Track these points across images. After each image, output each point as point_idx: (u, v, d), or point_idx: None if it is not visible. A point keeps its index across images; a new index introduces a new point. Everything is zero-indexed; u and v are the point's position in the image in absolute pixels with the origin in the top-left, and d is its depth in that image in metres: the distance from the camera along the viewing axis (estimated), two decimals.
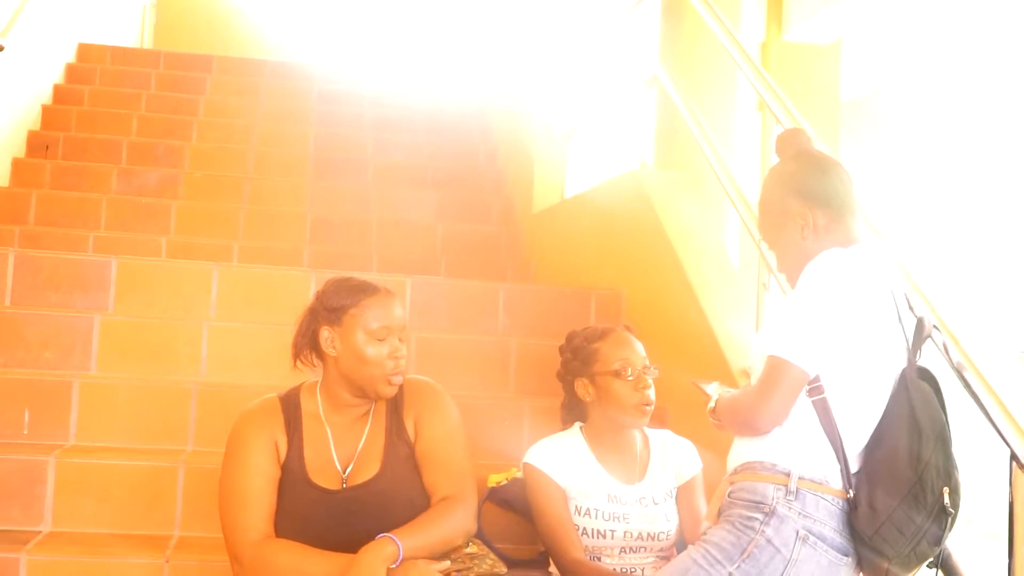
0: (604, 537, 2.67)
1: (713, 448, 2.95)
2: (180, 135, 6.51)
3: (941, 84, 7.44)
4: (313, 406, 2.50)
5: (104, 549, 2.85)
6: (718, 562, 2.06)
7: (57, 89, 6.90)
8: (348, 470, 2.44)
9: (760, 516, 2.06)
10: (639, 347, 2.79)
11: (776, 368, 2.06)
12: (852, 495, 2.07)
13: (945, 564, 2.12)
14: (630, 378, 2.70)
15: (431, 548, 2.32)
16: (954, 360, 2.16)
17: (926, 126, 7.81)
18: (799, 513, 2.05)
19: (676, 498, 2.79)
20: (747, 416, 2.12)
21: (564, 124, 5.56)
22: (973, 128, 7.71)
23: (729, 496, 2.15)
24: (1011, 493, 2.00)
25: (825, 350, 2.07)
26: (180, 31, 9.64)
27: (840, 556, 2.07)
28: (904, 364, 2.15)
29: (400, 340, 2.45)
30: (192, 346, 3.62)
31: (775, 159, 2.40)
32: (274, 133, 6.73)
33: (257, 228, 5.58)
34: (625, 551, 2.69)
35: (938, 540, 2.02)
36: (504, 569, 2.36)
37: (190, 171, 6.08)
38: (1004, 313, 7.61)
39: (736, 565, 2.04)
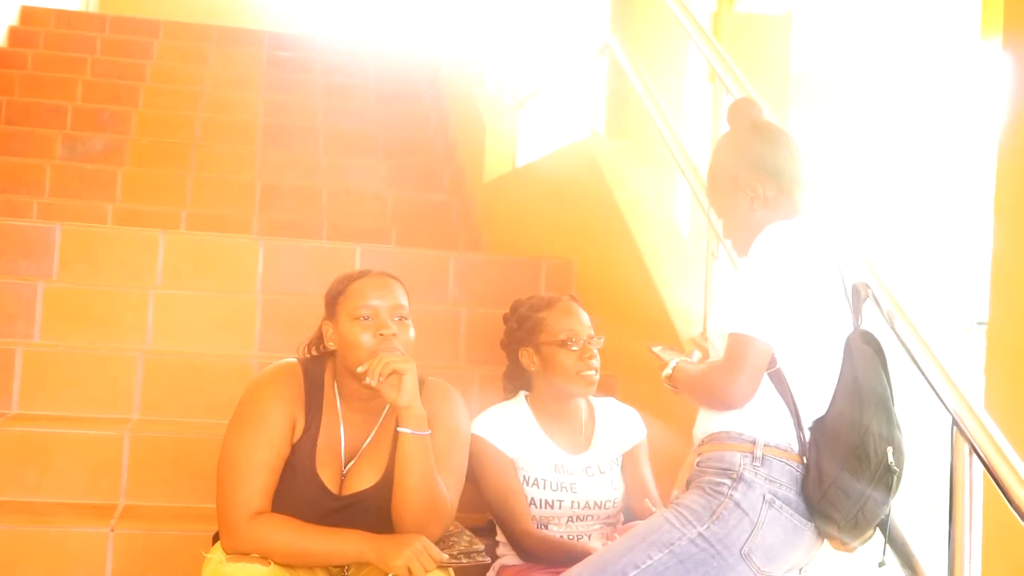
0: (552, 507, 2.68)
1: (661, 415, 2.97)
2: (126, 101, 6.41)
3: (888, 57, 7.50)
4: (332, 391, 2.39)
5: (47, 518, 2.81)
6: (689, 522, 2.09)
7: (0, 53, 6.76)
8: (348, 468, 2.36)
9: (728, 481, 2.10)
10: (584, 317, 2.79)
11: (742, 345, 2.09)
12: (805, 461, 2.11)
13: (888, 534, 2.15)
14: (575, 348, 2.70)
15: None
16: (897, 327, 2.19)
17: (874, 98, 7.88)
18: (765, 478, 2.09)
19: (621, 466, 2.81)
20: (719, 394, 2.14)
21: (515, 93, 5.54)
22: (919, 101, 7.78)
23: (698, 466, 2.19)
24: (952, 460, 2.03)
25: (780, 323, 2.10)
26: None
27: (804, 520, 2.11)
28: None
29: (400, 320, 2.33)
30: (138, 314, 3.58)
31: (726, 129, 2.41)
32: (223, 100, 6.65)
33: (205, 195, 5.51)
34: (572, 519, 2.70)
35: (885, 501, 2.08)
36: (481, 546, 2.34)
37: (136, 137, 5.99)
38: (951, 285, 7.72)
39: (706, 526, 2.08)
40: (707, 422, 2.21)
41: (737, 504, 2.08)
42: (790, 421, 2.13)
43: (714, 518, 2.08)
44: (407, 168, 6.20)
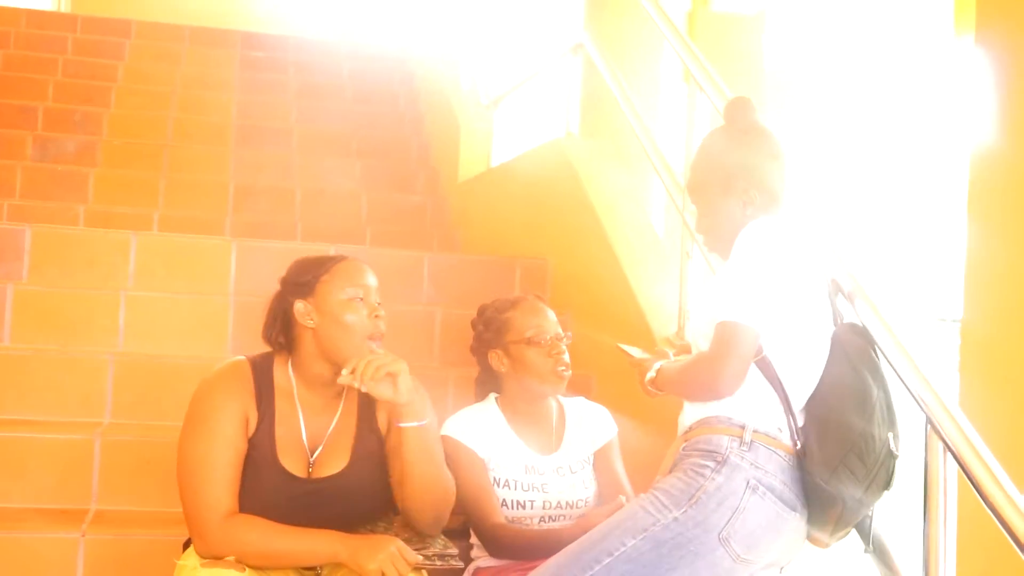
0: (523, 507, 2.67)
1: (636, 414, 2.97)
2: (98, 101, 6.35)
3: (862, 54, 7.52)
4: (286, 381, 2.39)
5: (18, 524, 2.78)
6: (665, 507, 2.07)
7: None
8: (315, 455, 2.36)
9: (712, 464, 2.08)
10: (551, 314, 2.78)
11: (730, 332, 2.08)
12: (800, 447, 2.11)
13: (860, 527, 2.16)
14: (543, 344, 2.69)
15: None
16: (870, 324, 2.19)
17: (848, 95, 7.90)
18: (751, 464, 2.08)
19: (593, 464, 2.80)
20: (708, 383, 2.13)
21: (490, 92, 5.52)
22: (893, 98, 7.81)
23: (683, 450, 2.17)
24: (926, 458, 2.03)
25: (767, 312, 2.10)
26: None
27: (787, 509, 2.10)
28: (833, 326, 2.23)
29: (379, 306, 2.39)
30: (109, 316, 3.55)
31: (700, 129, 2.41)
32: (196, 100, 6.60)
33: (178, 197, 5.47)
34: (544, 520, 2.69)
35: (886, 483, 2.09)
36: (455, 549, 2.33)
37: (108, 138, 5.95)
38: (924, 280, 7.74)
39: (683, 510, 2.05)
40: (695, 409, 2.20)
41: (718, 487, 2.06)
42: (779, 408, 2.12)
43: (692, 502, 2.05)
44: (382, 168, 6.17)
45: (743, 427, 2.10)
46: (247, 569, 2.13)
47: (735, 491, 2.06)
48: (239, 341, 3.60)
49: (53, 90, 6.36)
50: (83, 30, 7.34)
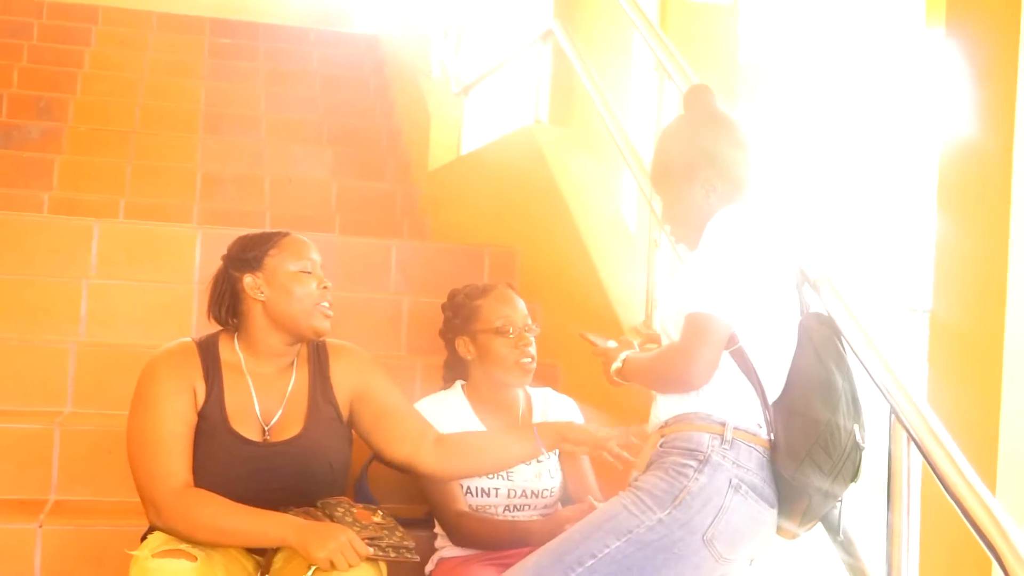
0: (488, 495, 2.65)
1: (603, 404, 2.95)
2: (64, 88, 6.28)
3: (835, 47, 7.53)
4: (233, 356, 2.42)
5: None
6: (649, 508, 2.04)
7: None
8: (271, 424, 2.38)
9: (694, 463, 2.05)
10: (520, 304, 2.76)
11: (701, 323, 2.06)
12: (772, 437, 2.10)
13: (827, 518, 2.14)
14: (511, 335, 2.68)
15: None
16: (835, 313, 2.18)
17: (820, 88, 7.91)
18: (733, 462, 2.05)
19: (559, 455, 2.77)
20: (678, 373, 2.11)
21: (460, 79, 5.49)
22: (866, 90, 7.82)
23: (661, 446, 2.13)
24: (890, 448, 2.02)
25: (738, 303, 2.08)
26: None
27: (767, 507, 2.08)
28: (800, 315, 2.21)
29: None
30: (71, 305, 3.50)
31: (671, 118, 2.39)
32: (163, 87, 6.53)
33: (145, 184, 5.42)
34: (509, 509, 2.67)
35: (853, 477, 2.08)
36: (412, 543, 2.31)
37: (74, 125, 5.88)
38: (895, 270, 7.77)
39: (667, 511, 2.02)
40: (671, 403, 2.17)
41: (702, 488, 2.03)
42: (756, 401, 2.10)
43: (676, 503, 2.03)
44: (352, 156, 6.12)
45: (723, 424, 2.08)
46: (197, 559, 2.10)
47: (718, 491, 2.04)
48: (204, 329, 3.52)
49: (18, 76, 6.28)
50: (49, 16, 7.24)
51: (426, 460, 2.47)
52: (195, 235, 3.85)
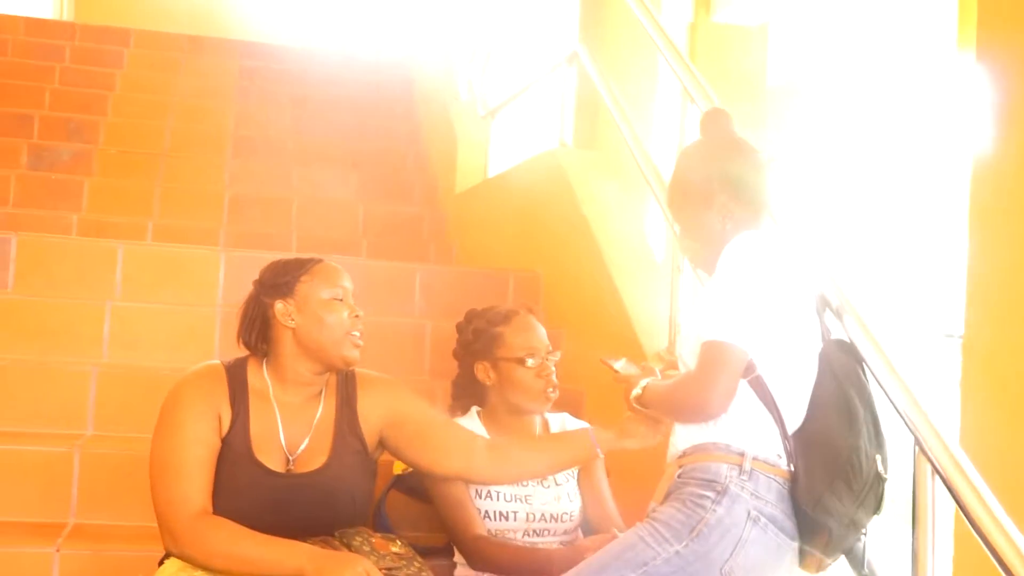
0: (507, 519, 2.62)
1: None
2: (95, 110, 6.31)
3: (865, 71, 7.47)
4: (261, 383, 2.38)
5: None
6: (666, 540, 2.01)
7: None
8: (296, 455, 2.35)
9: (712, 495, 2.02)
10: (542, 332, 2.74)
11: (717, 352, 2.03)
12: (792, 468, 2.06)
13: (851, 552, 2.10)
14: (533, 365, 2.65)
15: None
16: (858, 342, 2.14)
17: (852, 110, 7.85)
18: (751, 494, 2.02)
19: (578, 480, 2.75)
20: (694, 403, 2.09)
21: (487, 102, 5.48)
22: (897, 113, 7.76)
23: (679, 477, 2.11)
24: (914, 480, 1.98)
25: (756, 330, 2.05)
26: (100, 4, 9.34)
27: (788, 540, 2.05)
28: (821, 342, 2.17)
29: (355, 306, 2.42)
30: (94, 327, 3.51)
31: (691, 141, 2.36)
32: (194, 109, 6.56)
33: (173, 206, 5.42)
34: (528, 533, 2.64)
35: (875, 509, 2.04)
36: (430, 574, 2.29)
37: (104, 147, 5.90)
38: (931, 296, 7.68)
39: (684, 543, 1.99)
40: (690, 433, 2.14)
41: (719, 520, 2.00)
42: (775, 431, 2.06)
43: (693, 535, 1.99)
44: (379, 179, 6.12)
45: (742, 455, 2.05)
46: None
47: (737, 523, 2.00)
48: (226, 352, 3.50)
49: (50, 98, 6.32)
50: (81, 38, 7.31)
51: (481, 468, 2.43)
52: (219, 258, 3.86)
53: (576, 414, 3.23)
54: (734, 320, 2.03)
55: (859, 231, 7.69)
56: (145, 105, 6.50)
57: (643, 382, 2.29)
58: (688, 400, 2.10)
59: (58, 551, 2.68)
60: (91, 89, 6.53)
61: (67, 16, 9.42)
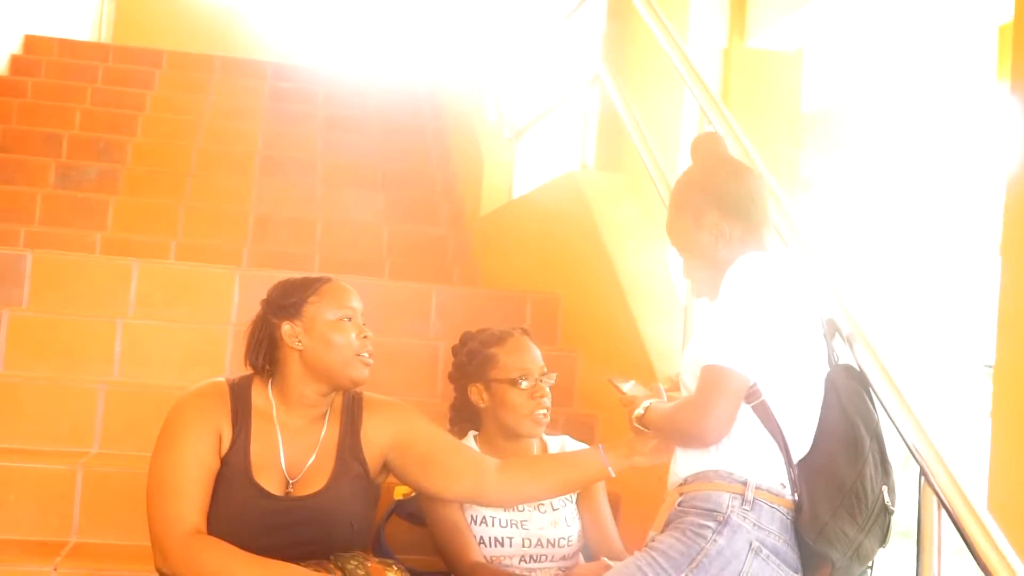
0: (502, 545, 2.56)
1: None
2: (124, 130, 6.35)
3: (901, 98, 7.39)
4: (265, 403, 2.34)
5: None
6: (664, 571, 1.95)
7: (0, 81, 6.72)
8: (296, 479, 2.30)
9: (713, 524, 1.96)
10: (536, 353, 2.68)
11: (716, 377, 1.97)
12: (796, 497, 2.00)
13: None
14: (527, 387, 2.60)
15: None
16: (866, 369, 2.06)
17: (886, 139, 7.77)
18: (753, 524, 1.96)
19: (578, 504, 2.69)
20: (692, 428, 2.03)
21: (513, 124, 5.45)
22: (934, 142, 7.66)
23: (679, 506, 2.05)
24: (919, 511, 1.90)
25: (759, 354, 1.99)
26: (138, 25, 9.45)
27: (791, 573, 1.98)
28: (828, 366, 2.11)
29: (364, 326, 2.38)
30: (105, 344, 3.49)
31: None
32: (222, 130, 6.59)
33: (197, 226, 5.43)
34: (525, 559, 2.58)
35: (881, 541, 1.98)
36: None
37: (132, 166, 5.93)
38: (967, 327, 7.56)
39: (683, 575, 1.93)
40: (691, 460, 2.08)
41: (720, 551, 1.94)
42: (780, 459, 2.00)
43: (693, 566, 1.94)
44: (405, 201, 6.10)
45: (745, 483, 1.99)
46: None
47: (738, 554, 1.94)
48: (237, 371, 3.51)
49: (80, 118, 6.38)
50: (115, 59, 7.39)
51: (491, 490, 2.37)
52: (234, 276, 3.84)
53: (589, 438, 3.18)
54: (735, 344, 1.97)
55: (895, 258, 7.59)
56: (174, 125, 6.54)
57: (646, 403, 2.24)
58: (686, 424, 2.05)
59: (55, 570, 2.65)
60: (121, 110, 6.58)
61: (105, 37, 9.53)
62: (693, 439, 2.05)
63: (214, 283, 3.82)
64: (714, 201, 2.16)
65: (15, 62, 7.07)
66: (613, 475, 2.37)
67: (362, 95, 7.36)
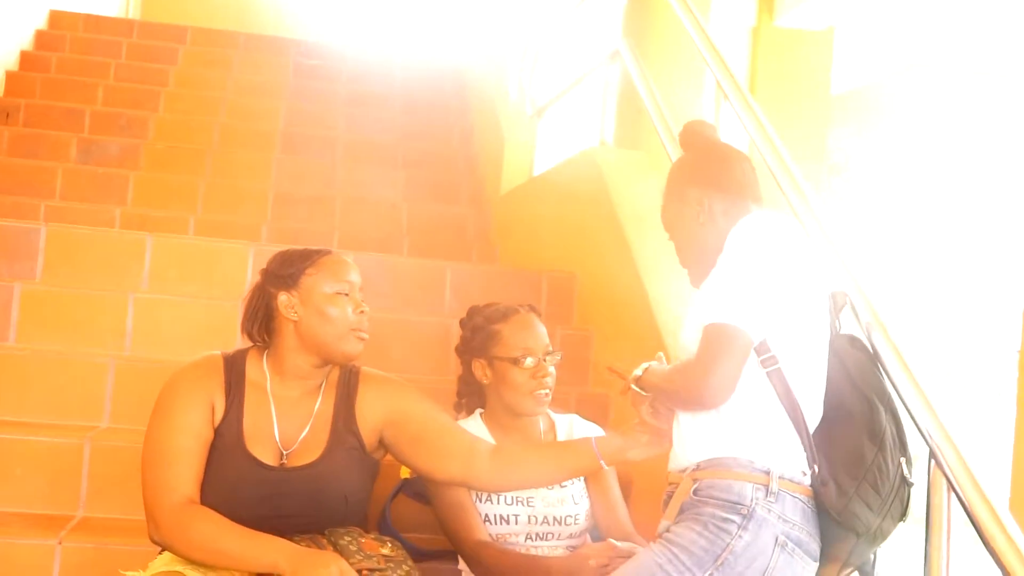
0: (508, 523, 2.53)
1: None
2: (147, 105, 6.33)
3: (932, 78, 7.27)
4: (259, 375, 2.34)
5: None
6: (687, 569, 1.89)
7: (24, 56, 6.72)
8: (290, 450, 2.30)
9: (737, 519, 1.90)
10: (542, 331, 2.64)
11: (719, 335, 1.91)
12: (817, 471, 1.93)
13: (862, 569, 1.98)
14: (529, 365, 2.56)
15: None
16: (878, 347, 2.01)
17: (918, 120, 7.65)
18: (778, 516, 1.90)
19: (586, 483, 2.65)
20: (693, 388, 1.96)
21: (535, 101, 5.39)
22: (968, 124, 7.54)
23: (695, 494, 1.97)
24: (928, 493, 1.85)
25: (767, 313, 1.93)
26: (165, 1, 9.43)
27: (811, 563, 1.94)
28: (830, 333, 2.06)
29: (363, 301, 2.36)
30: (117, 319, 3.48)
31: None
32: (244, 106, 6.56)
33: (217, 202, 5.42)
34: (531, 537, 2.55)
35: (902, 514, 1.93)
36: None
37: (153, 142, 5.91)
38: (998, 310, 7.44)
39: (708, 573, 1.88)
40: (703, 444, 2.01)
41: (746, 547, 1.88)
42: (796, 440, 1.93)
43: (718, 564, 1.88)
44: (426, 179, 6.07)
45: (767, 473, 1.92)
46: None
47: (763, 550, 1.88)
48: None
49: (103, 94, 6.37)
50: (139, 35, 7.37)
51: (481, 474, 2.34)
52: (248, 252, 3.81)
53: (602, 418, 3.14)
54: (740, 302, 1.91)
55: (928, 244, 7.49)
56: (197, 101, 6.51)
57: (644, 364, 2.20)
58: (687, 385, 1.98)
59: (60, 543, 2.65)
60: (144, 85, 6.56)
61: (133, 13, 9.51)
62: (694, 401, 1.98)
63: (228, 258, 3.80)
64: (695, 180, 2.15)
65: (39, 37, 7.06)
66: (606, 468, 2.34)
67: (386, 74, 7.31)
